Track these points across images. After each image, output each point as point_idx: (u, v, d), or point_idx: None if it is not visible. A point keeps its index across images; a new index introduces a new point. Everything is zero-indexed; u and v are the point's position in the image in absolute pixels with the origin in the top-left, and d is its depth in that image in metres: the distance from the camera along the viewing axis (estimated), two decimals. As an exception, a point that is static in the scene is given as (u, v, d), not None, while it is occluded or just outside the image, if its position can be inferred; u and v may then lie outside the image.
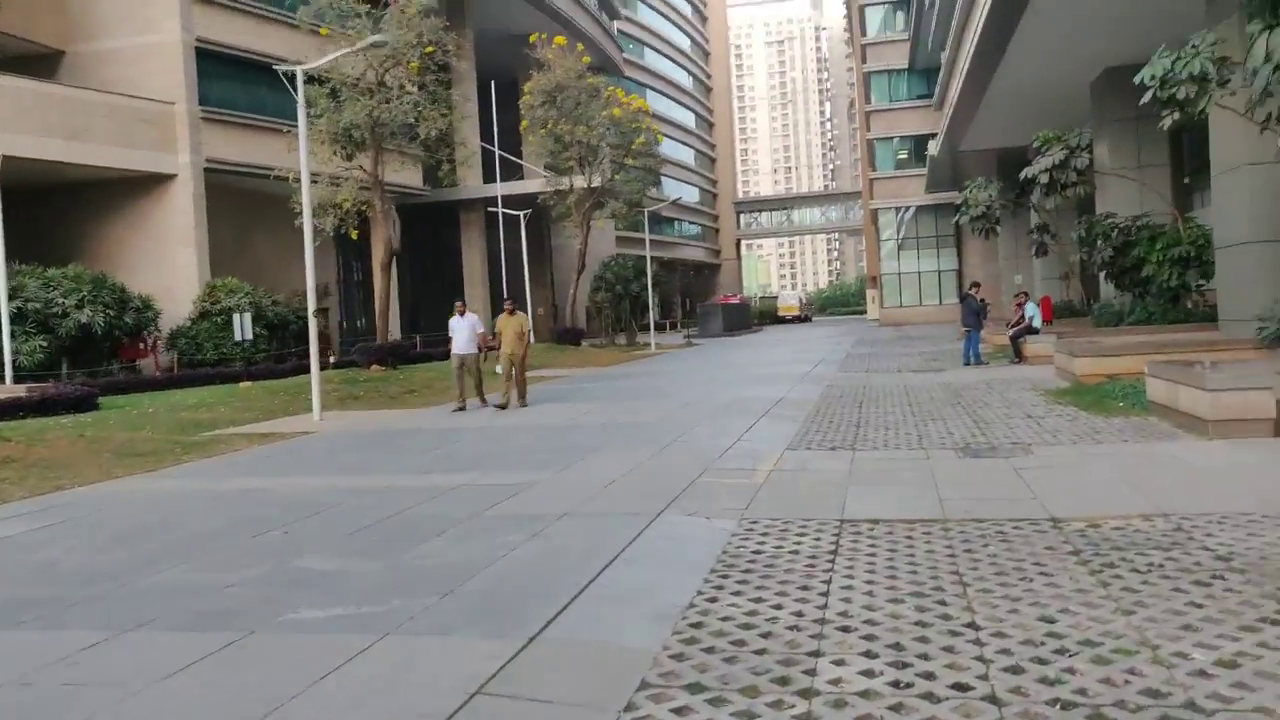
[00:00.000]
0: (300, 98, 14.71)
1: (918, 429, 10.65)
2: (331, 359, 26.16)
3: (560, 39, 34.48)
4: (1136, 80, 12.69)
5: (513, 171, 41.99)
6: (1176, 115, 12.47)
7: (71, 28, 30.54)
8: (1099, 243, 23.33)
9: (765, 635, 4.30)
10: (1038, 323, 19.95)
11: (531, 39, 33.75)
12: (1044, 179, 20.77)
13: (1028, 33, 23.55)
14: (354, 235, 22.15)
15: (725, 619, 4.55)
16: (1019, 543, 5.66)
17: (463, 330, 16.15)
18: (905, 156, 58.42)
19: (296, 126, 21.27)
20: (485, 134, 36.67)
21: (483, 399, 16.44)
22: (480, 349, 16.16)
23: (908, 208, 58.58)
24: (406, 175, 38.43)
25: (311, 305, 15.43)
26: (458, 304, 16.68)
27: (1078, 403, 12.21)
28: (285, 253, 32.51)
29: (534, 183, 39.44)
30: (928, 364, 21.38)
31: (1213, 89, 11.93)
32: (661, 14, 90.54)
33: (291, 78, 14.30)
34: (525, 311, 36.22)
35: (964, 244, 57.19)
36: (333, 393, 18.35)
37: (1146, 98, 12.63)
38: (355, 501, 8.08)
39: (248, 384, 20.79)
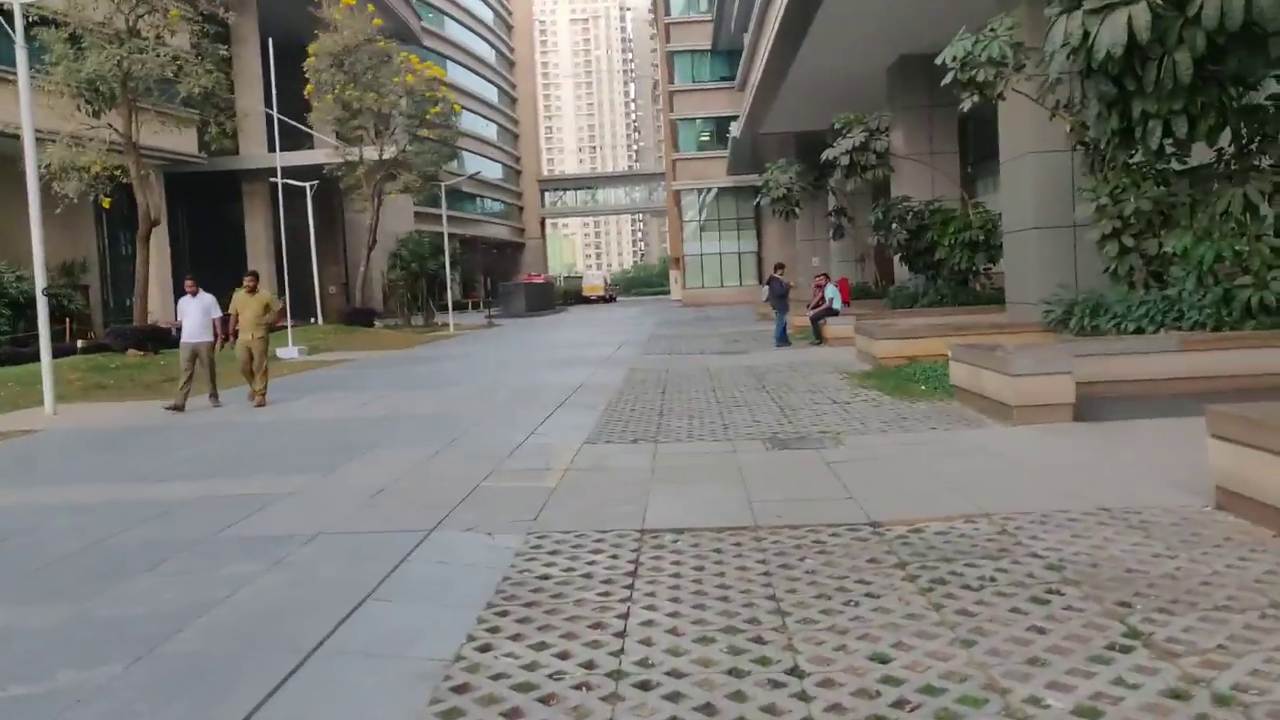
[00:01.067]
0: (19, 37, 12.52)
1: (723, 417, 10.06)
2: (81, 343, 23.37)
3: (348, -1, 32.26)
4: (938, 61, 12.58)
5: (302, 141, 39.28)
6: (976, 98, 12.42)
7: None
8: (894, 226, 23.83)
9: (546, 700, 3.40)
10: (837, 304, 20.03)
11: (318, -4, 31.38)
12: (844, 161, 20.90)
13: (827, 18, 23.66)
14: (105, 203, 19.62)
15: (498, 676, 3.62)
16: (839, 554, 5.01)
17: (193, 313, 13.22)
18: (708, 138, 58.94)
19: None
20: (271, 100, 33.90)
21: (215, 396, 13.74)
22: (217, 336, 13.30)
23: (710, 189, 59.20)
24: (178, 140, 35.14)
25: (40, 281, 13.30)
26: (187, 280, 13.67)
27: (881, 386, 11.99)
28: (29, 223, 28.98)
29: (321, 152, 36.97)
30: (730, 345, 21.14)
31: (1009, 73, 11.93)
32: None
33: (9, 13, 12.13)
34: (314, 289, 33.92)
35: (764, 226, 58.37)
36: (76, 382, 16.16)
37: (948, 79, 12.53)
38: (59, 523, 6.61)
39: (-25, 371, 18.12)
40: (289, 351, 23.85)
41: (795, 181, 32.54)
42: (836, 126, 22.01)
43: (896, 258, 24.81)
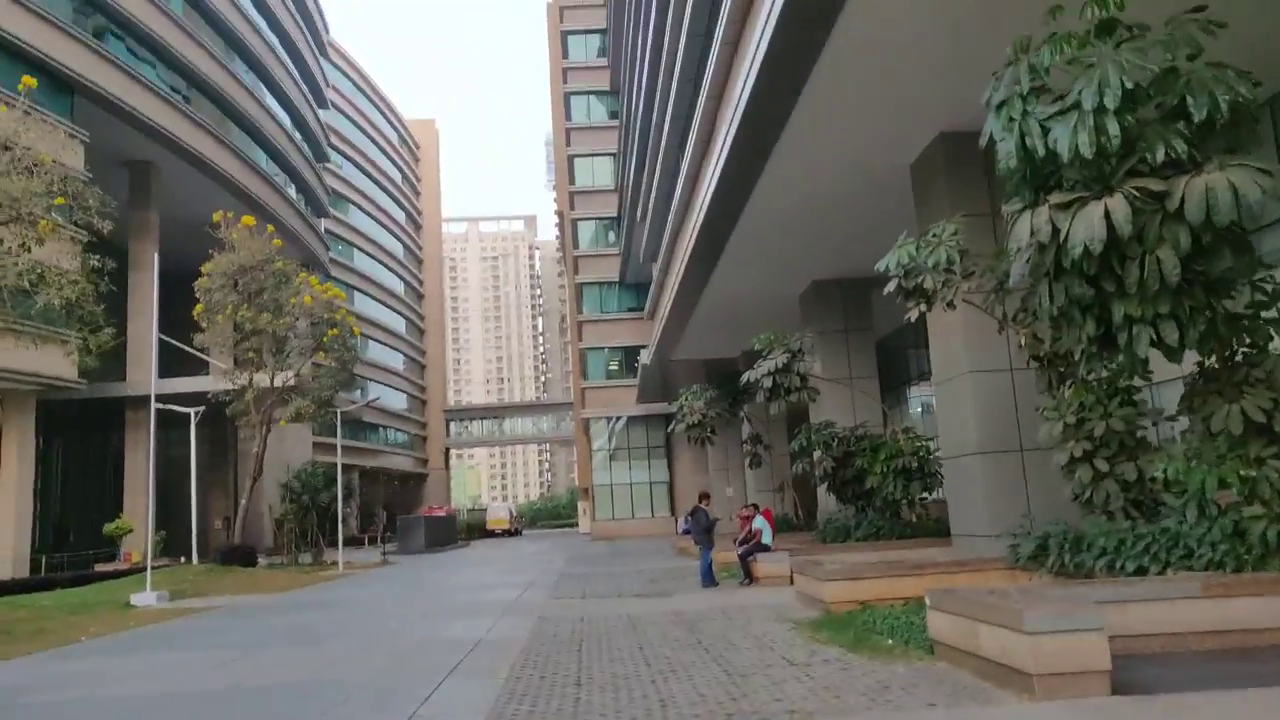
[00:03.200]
0: None
1: (658, 689, 7.96)
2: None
3: (249, 219, 31.07)
4: (879, 268, 11.56)
5: (199, 368, 37.16)
6: (924, 307, 11.35)
7: None
8: (819, 453, 22.58)
9: None
10: (768, 538, 18.26)
11: (215, 217, 30.11)
12: (767, 383, 19.78)
13: (738, 248, 23.39)
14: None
15: None
16: None
17: None
18: (616, 367, 58.57)
19: None
20: (171, 330, 32.05)
21: None
22: None
23: (619, 417, 58.23)
24: (54, 363, 32.73)
25: None
26: None
27: (840, 640, 10.07)
28: None
29: (207, 379, 34.89)
30: (650, 586, 19.01)
31: (957, 280, 10.93)
32: (374, 218, 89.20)
33: None
34: (191, 525, 30.81)
35: (675, 455, 57.19)
36: None
37: (889, 287, 11.49)
38: None
39: None
40: (145, 598, 20.77)
41: (709, 408, 31.50)
42: (756, 348, 21.09)
43: (822, 487, 23.42)
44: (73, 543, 41.85)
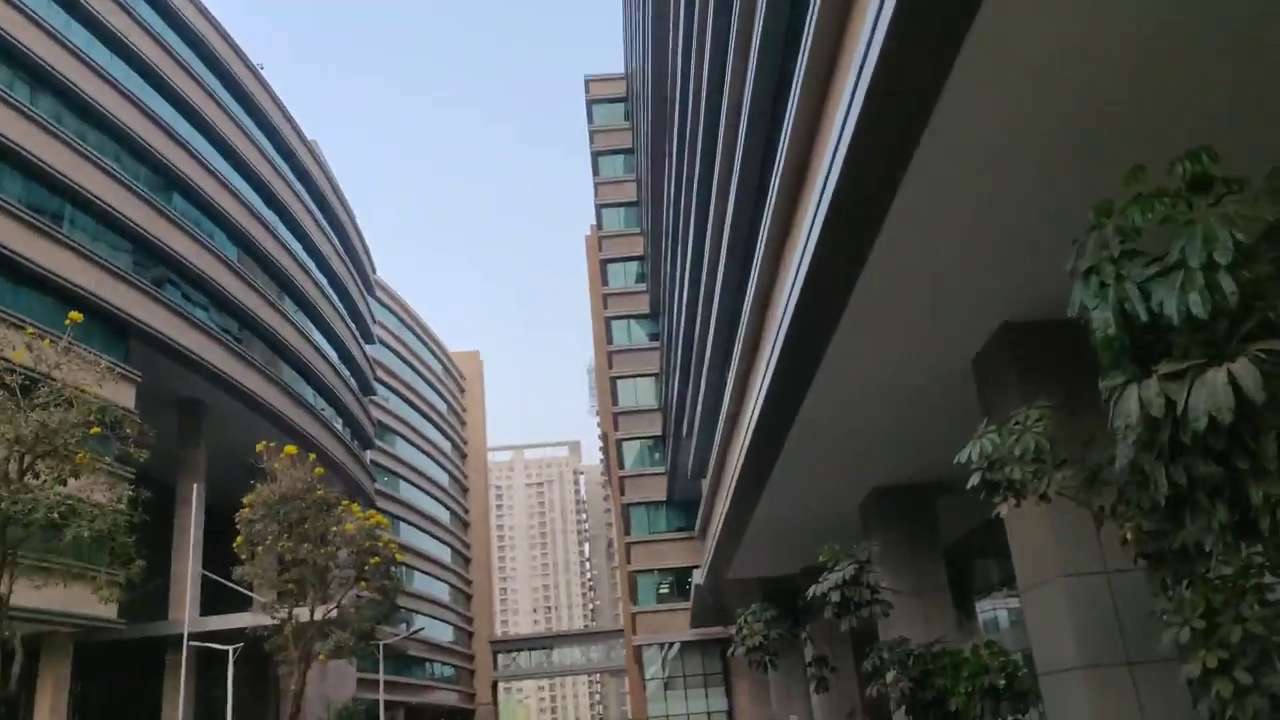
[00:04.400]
0: None
1: None
2: None
3: (291, 448, 30.93)
4: (957, 460, 10.62)
5: (241, 606, 36.20)
6: (1013, 501, 10.32)
7: None
8: (892, 673, 20.72)
9: None
10: (849, 774, 16.37)
11: (259, 448, 30.01)
12: (834, 597, 18.37)
13: (791, 460, 22.56)
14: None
15: None
16: None
17: None
18: (667, 590, 56.50)
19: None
20: (217, 567, 31.46)
21: None
22: None
23: (672, 644, 55.56)
24: (89, 603, 31.93)
25: None
26: None
27: None
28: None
29: (245, 615, 33.80)
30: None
31: (1048, 469, 9.97)
32: (420, 449, 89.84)
33: None
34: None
35: (734, 682, 54.05)
36: None
37: (973, 481, 10.50)
38: None
39: None
40: None
41: (770, 628, 29.64)
42: (821, 559, 19.76)
43: (899, 712, 21.37)
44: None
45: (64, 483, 16.59)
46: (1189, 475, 7.67)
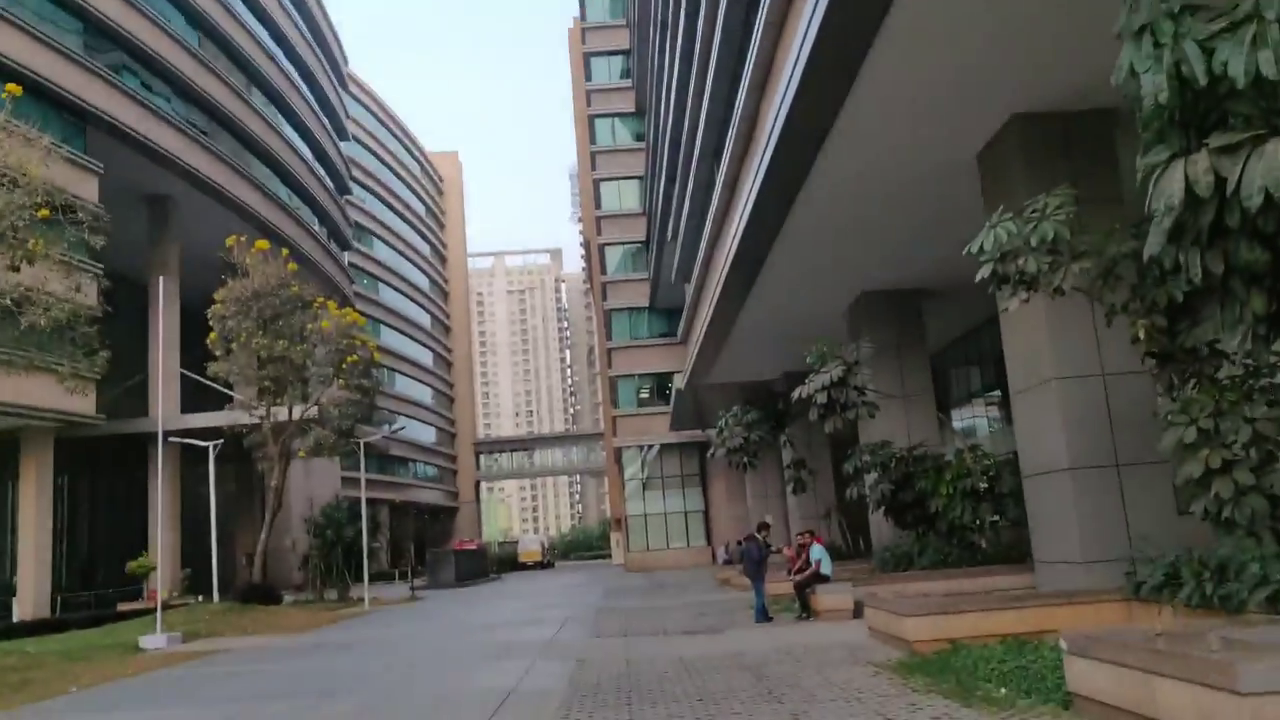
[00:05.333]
0: None
1: (735, 760, 6.36)
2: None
3: (262, 243, 29.90)
4: (967, 251, 9.94)
5: (223, 403, 36.08)
6: (1024, 295, 9.71)
7: None
8: (873, 476, 20.87)
9: None
10: (827, 567, 16.57)
11: (228, 242, 28.95)
12: (820, 399, 18.12)
13: (779, 261, 21.89)
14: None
15: None
16: None
17: None
18: (648, 395, 56.99)
19: None
20: (197, 366, 30.96)
21: None
22: None
23: (652, 446, 56.59)
24: (72, 399, 31.67)
25: None
26: None
27: (940, 688, 8.43)
28: None
29: (222, 414, 33.76)
30: (697, 621, 17.36)
31: (1065, 262, 9.31)
32: (399, 252, 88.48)
33: None
34: (212, 562, 29.46)
35: (711, 483, 55.43)
36: None
37: (982, 274, 9.85)
38: None
39: None
40: (155, 640, 19.35)
41: (750, 431, 29.81)
42: (809, 360, 19.44)
43: (877, 513, 21.68)
44: (99, 581, 40.76)
45: (16, 269, 15.72)
46: (1227, 263, 7.05)
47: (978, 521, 18.15)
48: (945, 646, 10.47)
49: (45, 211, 15.60)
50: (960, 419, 31.19)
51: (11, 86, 16.48)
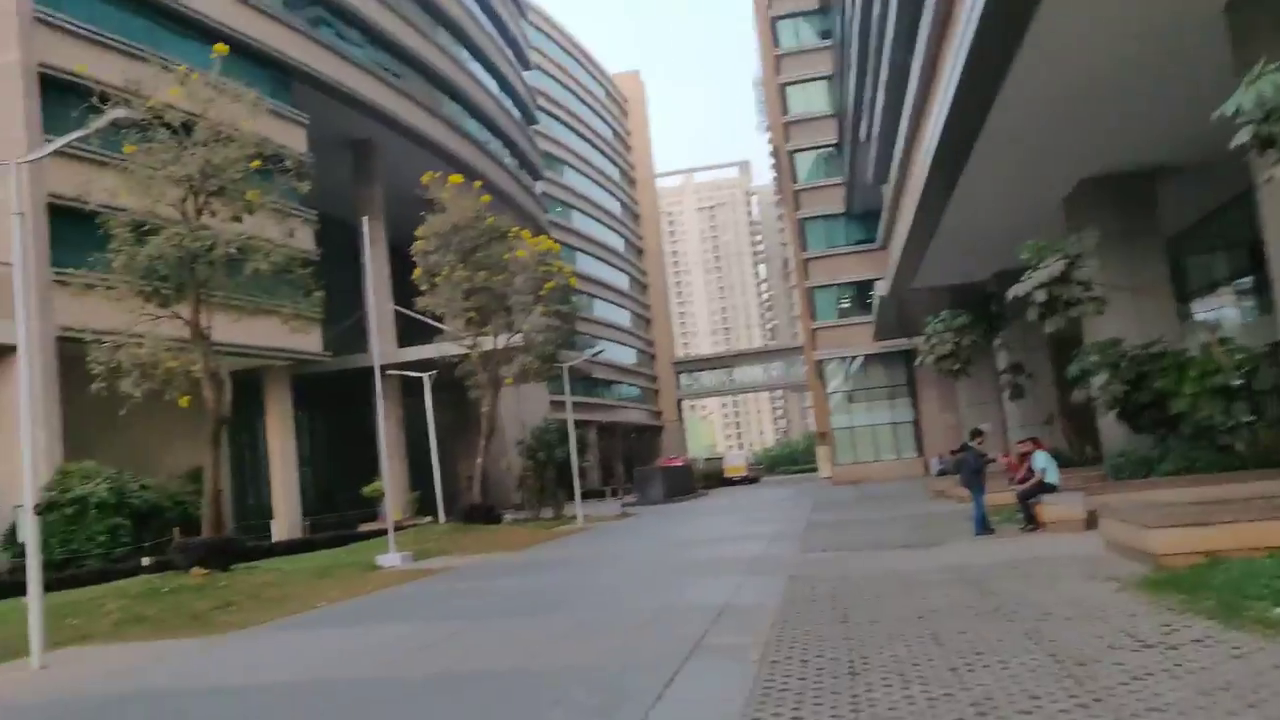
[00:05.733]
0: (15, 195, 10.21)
1: (963, 685, 5.89)
2: (147, 560, 20.94)
3: (456, 177, 30.71)
4: (1225, 111, 8.65)
5: (434, 335, 38.07)
6: (1293, 160, 8.37)
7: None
8: (1102, 377, 19.30)
9: None
10: (1053, 476, 15.53)
11: (425, 179, 29.90)
12: (1039, 297, 16.81)
13: (988, 149, 20.28)
14: (183, 402, 17.28)
15: None
16: None
17: None
18: (848, 304, 55.52)
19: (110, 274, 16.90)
20: (407, 302, 32.67)
21: None
22: None
23: (854, 357, 55.28)
24: (302, 339, 34.02)
25: (29, 497, 10.41)
26: None
27: (1197, 607, 7.62)
28: (162, 429, 27.72)
29: (431, 347, 35.35)
30: (913, 535, 16.77)
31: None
32: (588, 178, 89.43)
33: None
34: (435, 485, 31.17)
35: (920, 392, 53.70)
36: (114, 613, 13.15)
37: (1241, 137, 8.57)
38: None
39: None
40: (390, 559, 20.67)
41: (961, 336, 28.33)
42: (1024, 258, 18.05)
43: (1108, 417, 20.12)
44: (341, 504, 44.24)
45: (239, 220, 16.77)
46: None
47: (1231, 423, 16.44)
48: (1199, 560, 9.51)
49: (257, 163, 16.48)
50: (1201, 311, 28.48)
51: (219, 47, 17.38)
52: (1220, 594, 7.86)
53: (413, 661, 8.75)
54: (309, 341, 35.36)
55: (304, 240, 34.25)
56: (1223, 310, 27.25)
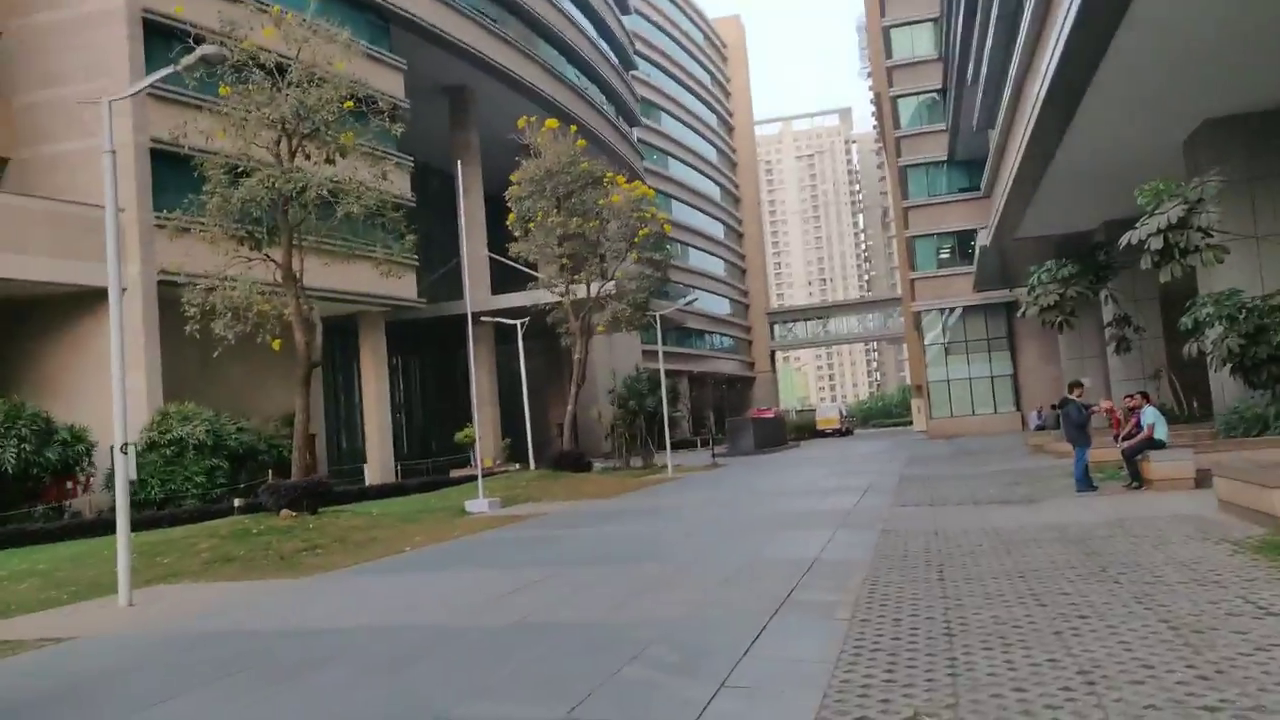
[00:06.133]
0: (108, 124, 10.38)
1: (1068, 650, 5.56)
2: (239, 501, 21.73)
3: (552, 121, 30.50)
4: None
5: (529, 283, 38.38)
6: None
7: (16, 132, 27.40)
8: (1217, 329, 18.27)
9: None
10: (1162, 432, 14.77)
11: (520, 123, 29.78)
12: (1155, 244, 15.87)
13: (1103, 88, 19.22)
14: (275, 345, 17.63)
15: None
16: None
17: None
18: (948, 255, 53.93)
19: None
20: (503, 249, 32.90)
21: None
22: None
23: (953, 309, 53.76)
24: (397, 285, 34.54)
25: (119, 435, 10.70)
26: None
27: (1327, 575, 7.10)
28: (257, 372, 28.56)
29: (522, 294, 35.47)
30: (1010, 490, 16.21)
31: None
32: (686, 124, 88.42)
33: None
34: (526, 432, 31.48)
35: (1018, 346, 52.08)
36: (204, 553, 13.56)
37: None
38: None
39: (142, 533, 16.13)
40: (479, 504, 20.95)
41: (1066, 286, 27.16)
42: (1141, 202, 17.05)
43: (1222, 371, 19.08)
44: (435, 450, 45.19)
45: (332, 162, 16.90)
46: None
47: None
48: (1324, 523, 8.91)
49: (350, 104, 16.54)
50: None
51: (309, -13, 17.42)
52: (1352, 562, 7.32)
53: (492, 609, 8.75)
54: (403, 287, 35.85)
55: (399, 185, 34.63)
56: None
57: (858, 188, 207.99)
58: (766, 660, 6.05)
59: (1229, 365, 18.34)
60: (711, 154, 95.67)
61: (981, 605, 6.95)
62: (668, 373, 36.37)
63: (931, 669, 5.35)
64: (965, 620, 6.51)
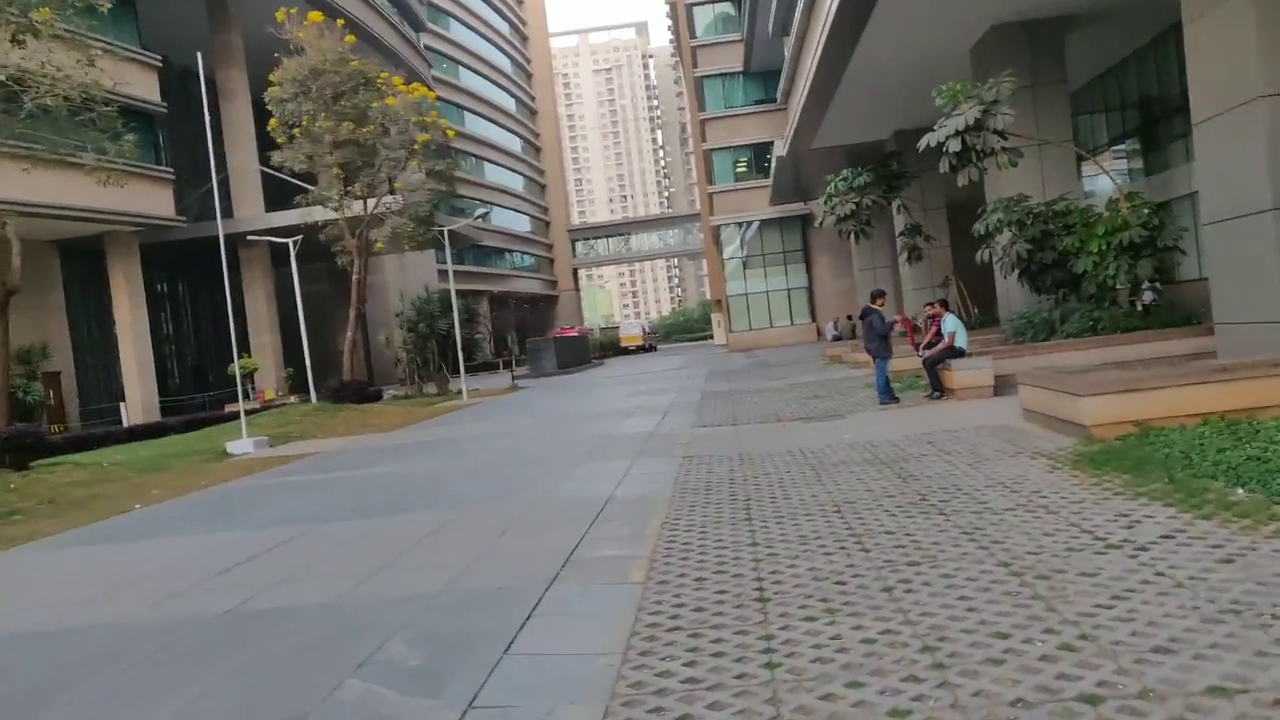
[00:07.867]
0: None
1: (904, 614, 4.57)
2: None
3: (315, 15, 27.42)
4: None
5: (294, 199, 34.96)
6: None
7: None
8: (1006, 235, 18.29)
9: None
10: (963, 340, 14.49)
11: (278, 16, 26.56)
12: (954, 146, 15.41)
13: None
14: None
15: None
16: None
17: None
18: (745, 168, 53.85)
19: None
20: (268, 160, 29.45)
21: None
22: None
23: (751, 222, 53.97)
24: (149, 201, 30.75)
25: None
26: None
27: (1144, 487, 6.52)
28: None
29: (294, 212, 32.43)
30: (813, 405, 15.66)
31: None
32: (477, 32, 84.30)
33: None
34: (304, 362, 28.96)
35: (813, 258, 52.99)
36: None
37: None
38: None
39: None
40: (243, 445, 18.72)
41: (864, 195, 27.05)
42: (939, 102, 16.55)
43: (1010, 277, 19.22)
44: (212, 384, 41.53)
45: (19, 43, 13.87)
46: None
47: (1136, 281, 15.64)
48: (1130, 430, 8.49)
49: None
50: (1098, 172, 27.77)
51: None
52: (1169, 472, 6.77)
53: (210, 589, 7.07)
54: (156, 204, 32.04)
55: (141, 87, 30.62)
56: (1119, 166, 26.57)
57: (656, 103, 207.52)
58: (534, 659, 4.72)
59: (1017, 271, 18.42)
60: (505, 64, 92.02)
61: (798, 554, 5.93)
62: (466, 293, 34.50)
63: (743, 656, 4.21)
64: (780, 576, 5.44)
